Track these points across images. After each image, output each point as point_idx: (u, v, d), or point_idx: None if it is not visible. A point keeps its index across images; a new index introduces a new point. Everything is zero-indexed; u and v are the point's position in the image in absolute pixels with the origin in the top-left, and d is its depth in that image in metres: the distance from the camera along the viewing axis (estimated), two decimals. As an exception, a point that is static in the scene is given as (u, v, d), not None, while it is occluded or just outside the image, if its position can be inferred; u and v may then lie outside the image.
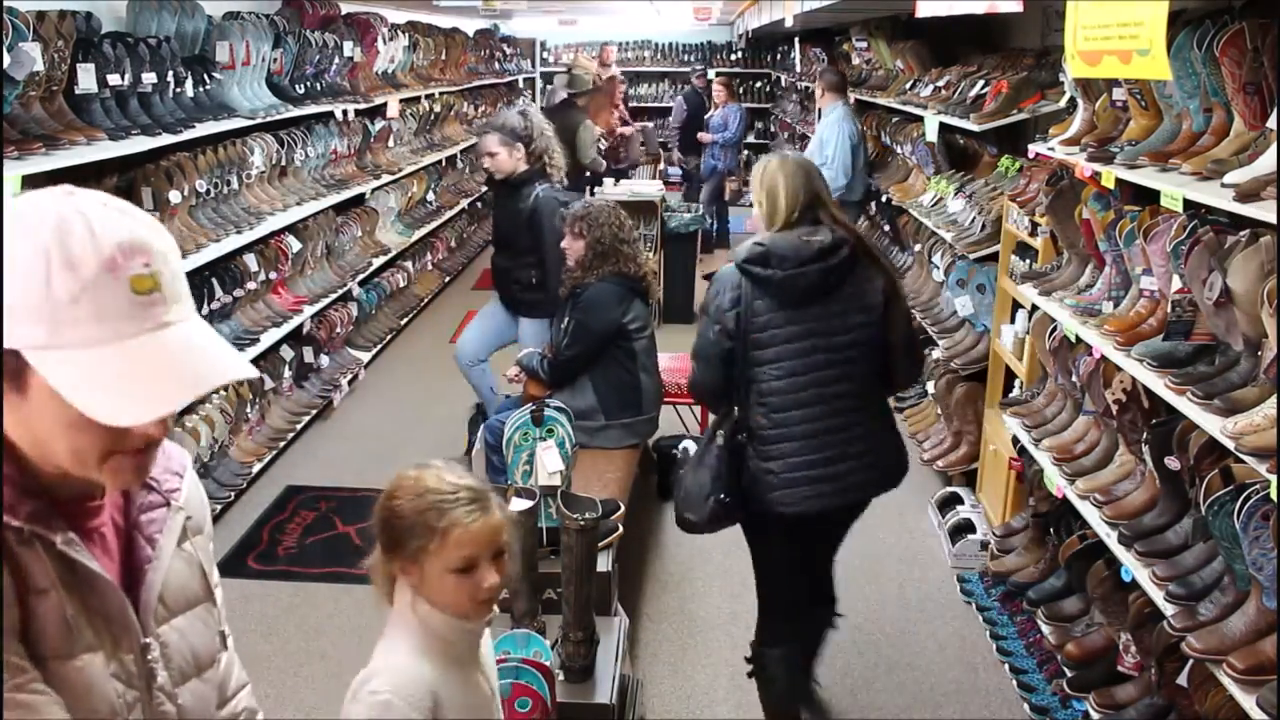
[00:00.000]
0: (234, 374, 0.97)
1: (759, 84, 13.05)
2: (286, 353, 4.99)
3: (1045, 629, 3.16)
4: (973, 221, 4.49)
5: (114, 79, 3.57)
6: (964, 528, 3.96)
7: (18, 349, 0.89)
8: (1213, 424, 2.21)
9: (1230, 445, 2.12)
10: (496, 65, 10.76)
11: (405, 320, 6.92)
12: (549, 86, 9.04)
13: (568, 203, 4.02)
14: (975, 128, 4.46)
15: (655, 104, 12.73)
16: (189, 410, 3.97)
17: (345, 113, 5.83)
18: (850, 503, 2.69)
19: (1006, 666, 3.25)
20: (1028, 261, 3.83)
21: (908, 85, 5.88)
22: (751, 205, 2.73)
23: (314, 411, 5.13)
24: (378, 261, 6.30)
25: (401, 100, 6.87)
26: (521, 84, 11.59)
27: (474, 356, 4.54)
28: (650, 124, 10.81)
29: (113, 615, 1.01)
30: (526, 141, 4.24)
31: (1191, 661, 2.37)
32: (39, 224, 0.89)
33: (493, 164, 4.32)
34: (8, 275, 0.88)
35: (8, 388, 0.92)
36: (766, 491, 2.56)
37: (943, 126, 4.95)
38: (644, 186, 7.51)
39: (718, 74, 11.02)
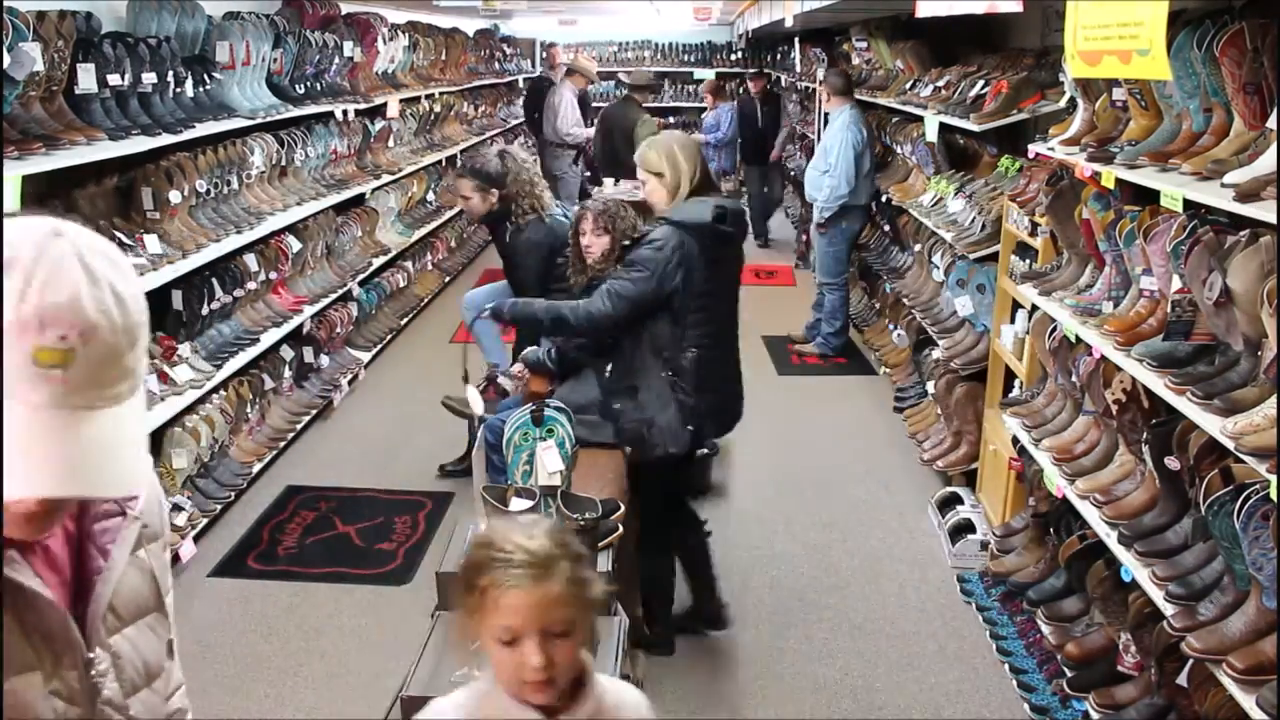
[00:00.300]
0: (111, 490, 0.90)
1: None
2: (286, 353, 4.99)
3: (1045, 629, 3.16)
4: (973, 221, 4.49)
5: (114, 79, 3.57)
6: (964, 528, 3.96)
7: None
8: (1213, 424, 2.21)
9: (1230, 445, 2.12)
10: (496, 65, 10.76)
11: (405, 320, 6.92)
12: (551, 84, 9.04)
13: (553, 244, 4.05)
14: (975, 128, 4.46)
15: (655, 104, 12.70)
16: (189, 410, 3.97)
17: (345, 113, 5.83)
18: (729, 428, 3.49)
19: (1006, 666, 3.25)
20: (1028, 261, 3.83)
21: (908, 85, 5.88)
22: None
23: (314, 411, 5.13)
24: (378, 261, 6.30)
25: (401, 100, 6.87)
26: (522, 84, 11.58)
27: (480, 308, 4.52)
28: None
29: (53, 633, 0.98)
30: (500, 185, 4.21)
31: (1191, 661, 2.37)
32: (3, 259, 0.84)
33: (465, 206, 4.47)
34: None
35: None
36: (698, 419, 3.09)
37: (943, 126, 4.96)
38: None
39: (718, 74, 11.07)
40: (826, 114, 6.40)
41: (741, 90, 10.62)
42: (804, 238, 9.26)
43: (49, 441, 0.84)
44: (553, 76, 9.08)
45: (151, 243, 3.78)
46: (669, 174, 3.11)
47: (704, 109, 10.54)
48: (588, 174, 8.88)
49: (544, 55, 8.38)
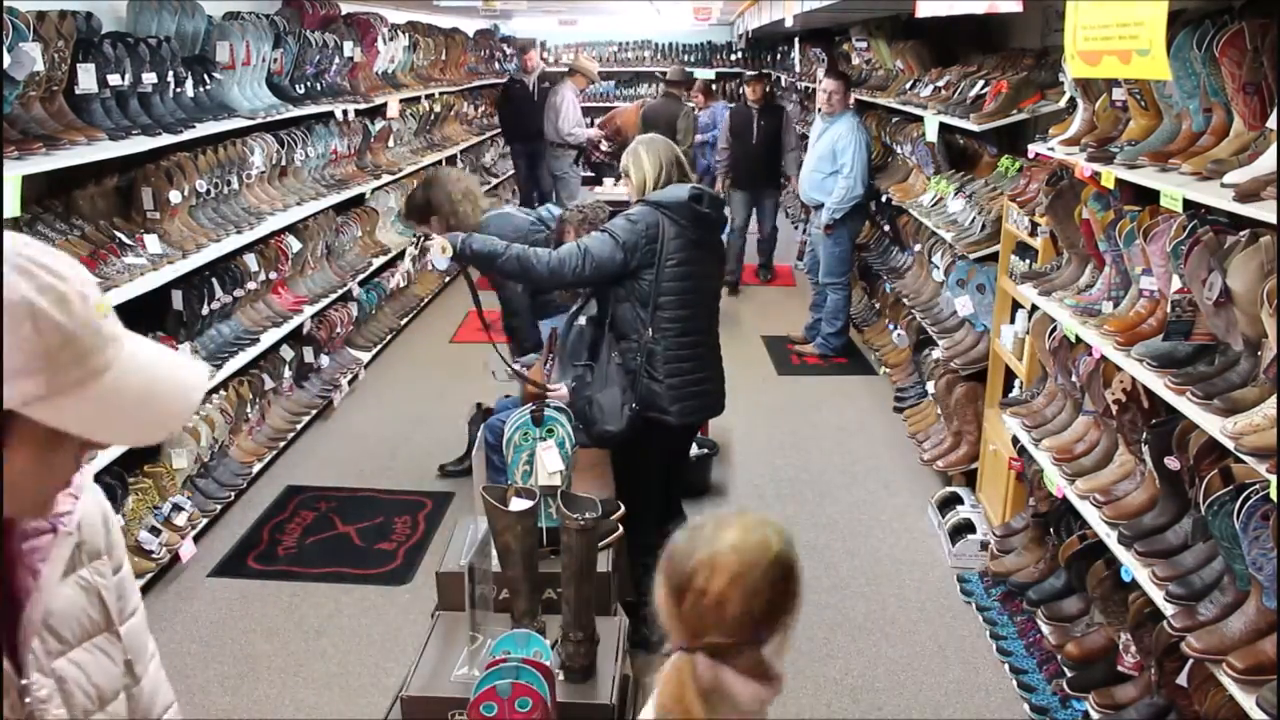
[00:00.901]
0: (202, 377, 0.97)
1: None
2: (286, 353, 4.99)
3: (1045, 629, 3.16)
4: (973, 221, 4.49)
5: (114, 79, 3.57)
6: (964, 528, 3.96)
7: (13, 408, 0.85)
8: (1213, 424, 2.21)
9: (1230, 445, 2.12)
10: (496, 65, 10.76)
11: (405, 320, 6.92)
12: (545, 85, 9.03)
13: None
14: (975, 128, 4.46)
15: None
16: (189, 410, 3.97)
17: (345, 113, 5.83)
18: (710, 415, 3.53)
19: (1006, 666, 3.25)
20: (1028, 261, 3.83)
21: (908, 85, 5.88)
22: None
23: (314, 411, 5.13)
24: (378, 261, 6.30)
25: (401, 100, 6.87)
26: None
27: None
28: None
29: None
30: (433, 211, 4.06)
31: (1191, 661, 2.37)
32: (9, 280, 0.85)
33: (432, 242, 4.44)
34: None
35: None
36: (665, 404, 3.14)
37: (943, 126, 4.96)
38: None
39: (717, 74, 11.04)
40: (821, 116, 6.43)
41: (740, 94, 9.96)
42: (803, 238, 9.26)
43: (146, 379, 0.92)
44: (525, 79, 9.07)
45: (151, 243, 3.78)
46: (634, 173, 3.22)
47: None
48: (589, 174, 8.88)
49: (516, 56, 8.21)
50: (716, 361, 3.36)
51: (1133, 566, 2.55)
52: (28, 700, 0.97)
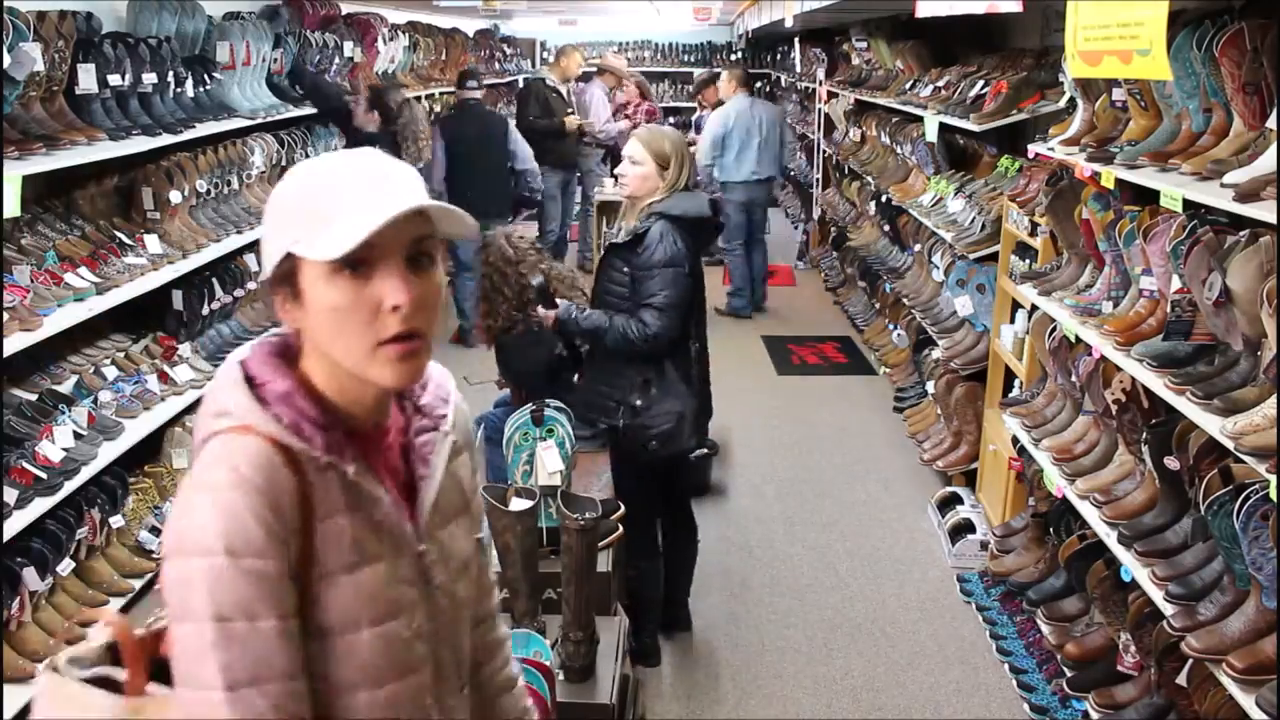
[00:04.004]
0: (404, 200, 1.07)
1: (759, 84, 13.02)
2: (287, 353, 4.98)
3: (1045, 629, 3.16)
4: (973, 221, 4.49)
5: (114, 79, 3.57)
6: (964, 528, 3.96)
7: (289, 250, 1.07)
8: (1212, 424, 2.21)
9: (1230, 445, 2.12)
10: (496, 65, 10.75)
11: (405, 320, 6.89)
12: (580, 85, 8.53)
13: None
14: (975, 128, 4.46)
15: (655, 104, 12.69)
16: (189, 410, 3.96)
17: (345, 113, 5.82)
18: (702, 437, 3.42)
19: (1006, 666, 3.26)
20: (1028, 261, 3.83)
21: (908, 85, 5.88)
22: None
23: (314, 411, 5.12)
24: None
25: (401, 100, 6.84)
26: (522, 84, 11.58)
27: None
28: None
29: (392, 530, 1.15)
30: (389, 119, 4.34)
31: (1191, 661, 2.37)
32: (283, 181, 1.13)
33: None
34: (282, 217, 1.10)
35: (291, 306, 1.11)
36: (663, 425, 2.97)
37: (943, 126, 4.95)
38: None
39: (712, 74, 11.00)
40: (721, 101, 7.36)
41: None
42: (805, 236, 9.27)
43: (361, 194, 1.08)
44: (561, 89, 8.55)
45: (152, 243, 3.78)
46: (673, 169, 3.03)
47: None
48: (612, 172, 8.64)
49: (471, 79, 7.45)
50: (705, 380, 3.35)
51: (1132, 566, 2.55)
52: (425, 561, 1.19)
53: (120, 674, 1.10)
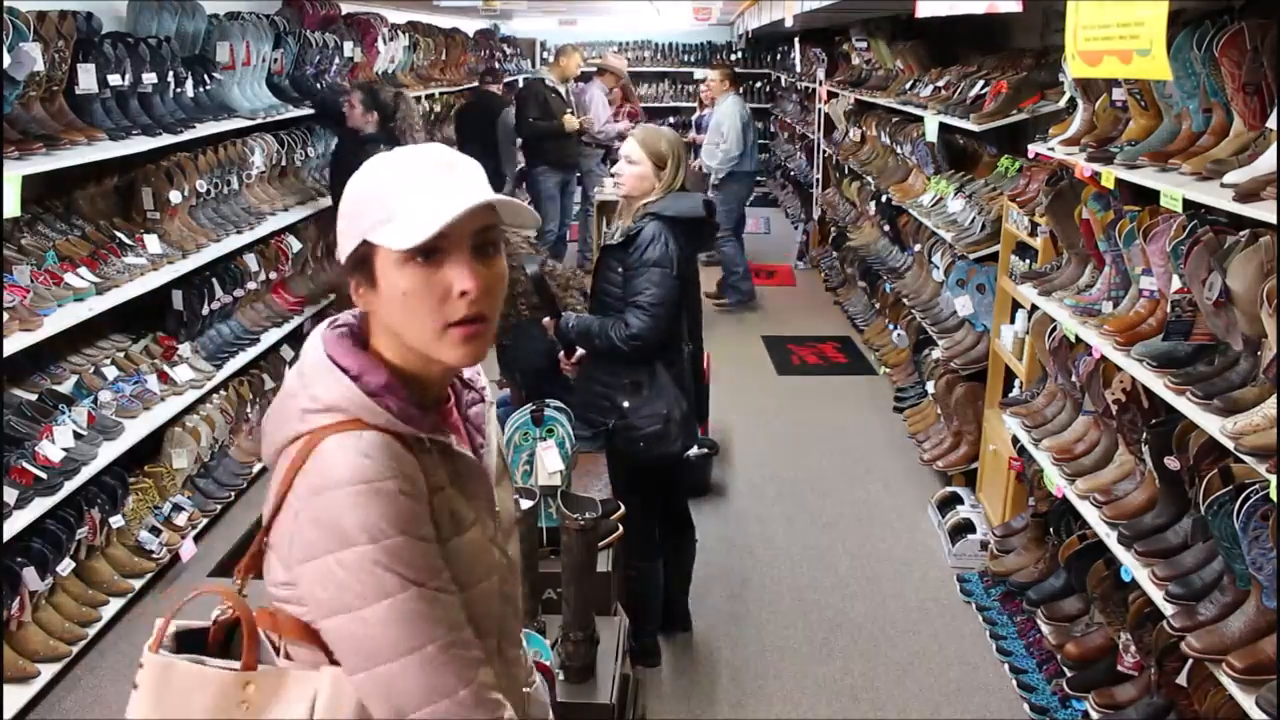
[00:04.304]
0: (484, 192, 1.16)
1: (759, 84, 13.04)
2: (287, 353, 4.98)
3: (1045, 629, 3.16)
4: (973, 221, 4.49)
5: (114, 79, 3.57)
6: (964, 528, 3.96)
7: (365, 238, 1.15)
8: (1212, 424, 2.21)
9: (1230, 445, 2.12)
10: (496, 65, 10.75)
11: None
12: (579, 85, 8.57)
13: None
14: (975, 128, 4.45)
15: (655, 104, 12.70)
16: (189, 410, 3.97)
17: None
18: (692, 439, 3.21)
19: (1006, 666, 3.25)
20: (1028, 261, 3.83)
21: (908, 85, 5.88)
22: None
23: (314, 411, 5.12)
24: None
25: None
26: (522, 84, 11.58)
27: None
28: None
29: (482, 494, 1.27)
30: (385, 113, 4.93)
31: (1191, 661, 2.37)
32: (358, 174, 1.20)
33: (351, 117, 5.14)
34: (360, 199, 1.18)
35: (365, 291, 1.18)
36: (650, 427, 2.96)
37: (943, 126, 4.95)
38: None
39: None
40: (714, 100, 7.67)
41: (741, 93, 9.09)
42: (805, 236, 9.27)
43: (442, 193, 1.16)
44: (560, 88, 8.60)
45: (151, 243, 3.78)
46: (669, 169, 3.00)
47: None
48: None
49: (549, 58, 7.99)
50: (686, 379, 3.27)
51: (1132, 566, 2.55)
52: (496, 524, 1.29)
53: (208, 660, 1.17)
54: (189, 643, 1.20)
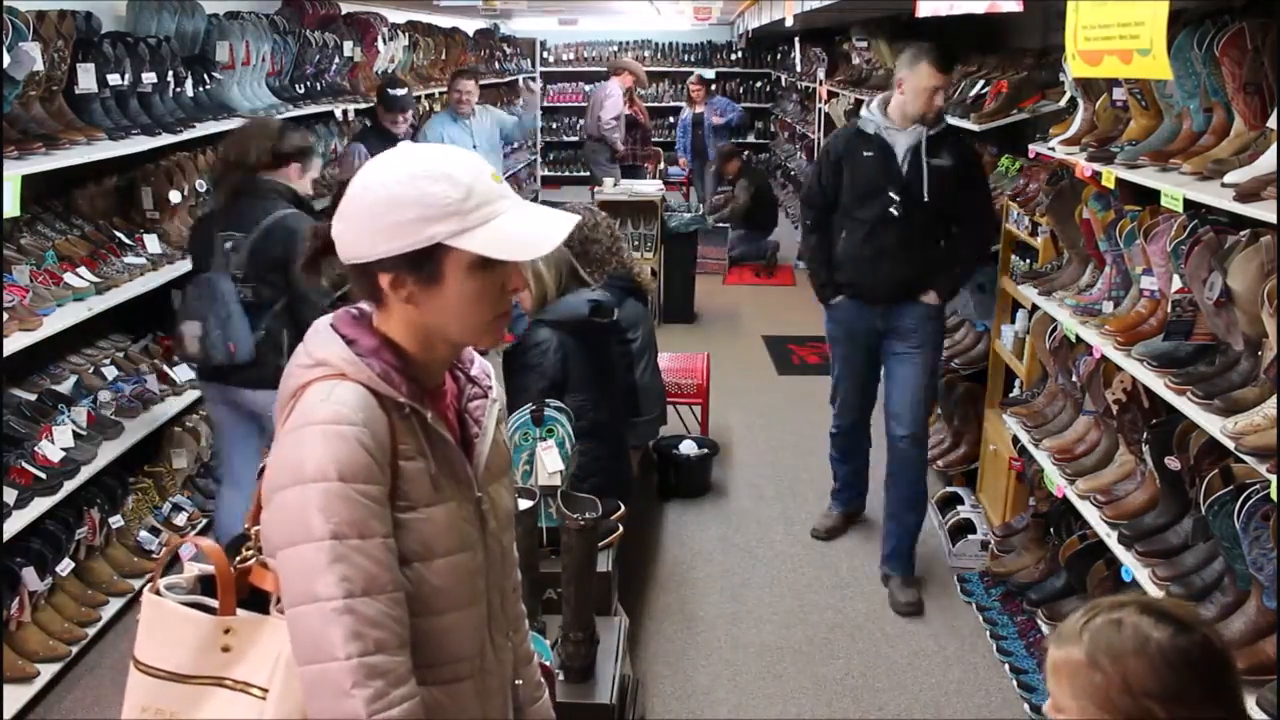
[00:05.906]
0: (569, 222, 1.27)
1: (759, 84, 13.03)
2: (286, 353, 4.98)
3: (1045, 629, 3.16)
4: (973, 221, 4.48)
5: (114, 79, 3.56)
6: (964, 528, 3.96)
7: (440, 241, 1.21)
8: (1213, 424, 2.21)
9: (1230, 445, 2.12)
10: (496, 65, 10.74)
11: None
12: (599, 82, 8.97)
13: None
14: (975, 127, 4.45)
15: (655, 104, 12.68)
16: (189, 410, 3.96)
17: (345, 113, 5.82)
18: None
19: (1006, 666, 3.25)
20: (1028, 261, 3.82)
21: (908, 85, 5.87)
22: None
23: (314, 411, 5.11)
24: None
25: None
26: (521, 83, 11.58)
27: None
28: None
29: (459, 475, 1.33)
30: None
31: (1192, 661, 2.37)
32: (393, 173, 1.24)
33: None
34: (408, 206, 1.22)
35: (423, 288, 1.25)
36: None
37: (943, 126, 4.94)
38: (644, 186, 7.52)
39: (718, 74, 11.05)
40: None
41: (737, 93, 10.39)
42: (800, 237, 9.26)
43: (530, 218, 1.27)
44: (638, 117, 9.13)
45: (151, 243, 3.78)
46: (534, 285, 3.04)
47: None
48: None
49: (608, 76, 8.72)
50: (626, 468, 3.36)
51: (1133, 566, 2.55)
52: (482, 509, 1.36)
53: (210, 602, 1.28)
54: (211, 588, 1.30)
